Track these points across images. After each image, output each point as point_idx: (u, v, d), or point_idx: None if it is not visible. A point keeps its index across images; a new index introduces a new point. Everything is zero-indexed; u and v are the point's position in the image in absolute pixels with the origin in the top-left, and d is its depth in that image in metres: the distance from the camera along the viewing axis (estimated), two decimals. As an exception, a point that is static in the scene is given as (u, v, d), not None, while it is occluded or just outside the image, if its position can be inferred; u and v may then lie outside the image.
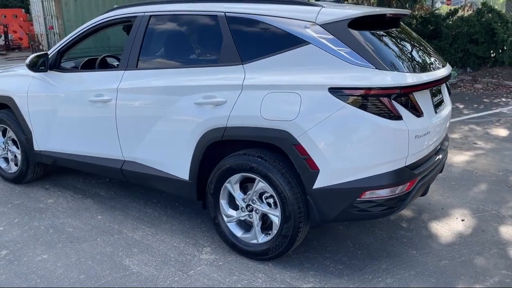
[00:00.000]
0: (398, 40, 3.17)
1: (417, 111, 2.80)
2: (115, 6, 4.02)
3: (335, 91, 2.71)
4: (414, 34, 3.52)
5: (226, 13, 3.19)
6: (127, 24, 3.83)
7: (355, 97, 2.68)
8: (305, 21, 2.91)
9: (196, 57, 3.43)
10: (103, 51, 8.22)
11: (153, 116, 3.43)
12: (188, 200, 4.06)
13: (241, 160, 3.05)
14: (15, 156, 4.57)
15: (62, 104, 3.96)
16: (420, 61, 3.12)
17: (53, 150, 4.18)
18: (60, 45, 4.07)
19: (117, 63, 4.68)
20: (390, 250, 3.33)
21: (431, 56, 3.27)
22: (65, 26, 17.34)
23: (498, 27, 10.62)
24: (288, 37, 2.94)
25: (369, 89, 2.66)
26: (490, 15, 10.99)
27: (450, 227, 3.68)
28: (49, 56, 4.00)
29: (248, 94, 2.97)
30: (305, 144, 2.77)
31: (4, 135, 4.63)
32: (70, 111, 3.94)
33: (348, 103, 2.68)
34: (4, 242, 3.46)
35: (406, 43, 3.21)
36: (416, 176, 2.89)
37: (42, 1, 19.45)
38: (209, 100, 3.11)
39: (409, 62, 2.98)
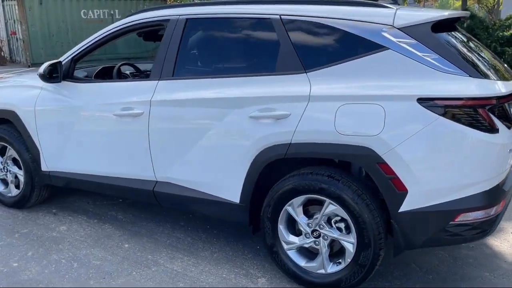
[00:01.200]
0: (470, 45, 2.92)
1: (509, 123, 2.55)
2: (145, 7, 3.59)
3: (426, 102, 2.41)
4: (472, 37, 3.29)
5: (281, 16, 2.85)
6: (157, 28, 3.43)
7: (450, 109, 2.39)
8: (380, 24, 2.60)
9: (247, 66, 3.05)
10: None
11: (196, 132, 3.03)
12: (221, 222, 3.68)
13: (307, 180, 2.71)
14: (16, 177, 4.04)
15: (80, 119, 3.49)
16: (500, 67, 2.88)
17: (66, 171, 3.69)
18: (75, 51, 3.60)
19: (133, 71, 4.27)
20: (461, 273, 3.06)
21: (500, 62, 3.04)
22: (29, 32, 16.49)
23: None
24: (360, 42, 2.63)
25: (468, 99, 2.38)
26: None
27: (510, 243, 3.46)
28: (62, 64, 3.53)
29: (317, 106, 2.64)
30: (391, 162, 2.46)
31: (2, 154, 4.09)
32: (89, 127, 3.48)
33: (442, 115, 2.39)
34: (24, 282, 2.97)
35: (479, 48, 2.96)
36: (506, 194, 2.63)
37: (3, 5, 18.45)
38: (267, 113, 2.75)
39: (492, 69, 2.73)
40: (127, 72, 4.23)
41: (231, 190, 2.98)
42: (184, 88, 3.09)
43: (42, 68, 3.41)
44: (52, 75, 3.46)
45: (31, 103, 3.69)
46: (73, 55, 3.60)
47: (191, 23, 3.18)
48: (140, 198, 3.62)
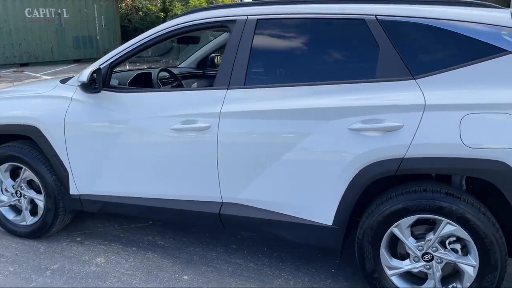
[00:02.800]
0: None
1: None
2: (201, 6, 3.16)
3: None
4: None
5: (377, 16, 2.56)
6: (218, 29, 3.05)
7: None
8: (499, 25, 2.39)
9: (339, 72, 2.71)
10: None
11: (279, 147, 2.67)
12: (277, 243, 3.34)
13: (422, 199, 2.44)
14: (31, 203, 3.47)
15: (125, 134, 3.01)
16: None
17: (103, 194, 3.18)
18: (113, 56, 3.11)
19: (168, 77, 3.82)
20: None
21: None
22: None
23: None
24: (476, 45, 2.40)
25: None
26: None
27: None
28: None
29: (436, 115, 2.37)
30: (527, 177, 2.25)
31: (14, 176, 3.49)
32: (137, 143, 3.00)
33: None
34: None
35: None
36: None
37: None
38: (373, 125, 2.46)
39: None
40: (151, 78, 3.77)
41: (321, 212, 2.66)
42: (261, 98, 2.72)
43: (84, 76, 2.90)
44: (92, 85, 2.96)
45: (59, 117, 3.15)
46: (111, 60, 3.11)
47: (264, 24, 2.81)
48: (200, 221, 3.19)
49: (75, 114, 3.12)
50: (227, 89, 2.80)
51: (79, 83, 2.93)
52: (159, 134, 2.94)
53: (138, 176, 3.05)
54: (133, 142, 3.01)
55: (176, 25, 3.01)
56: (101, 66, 3.05)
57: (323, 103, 2.57)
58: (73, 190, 3.25)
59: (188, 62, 4.62)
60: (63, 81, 3.42)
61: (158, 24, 17.14)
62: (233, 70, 2.80)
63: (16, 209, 3.57)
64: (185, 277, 3.00)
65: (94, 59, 18.73)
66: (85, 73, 2.91)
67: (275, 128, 2.67)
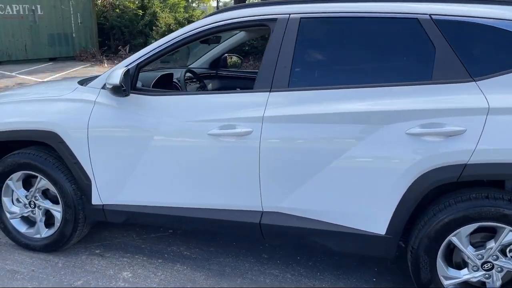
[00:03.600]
0: None
1: None
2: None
3: None
4: None
5: (432, 16, 2.45)
6: (257, 28, 2.87)
7: None
8: None
9: (391, 73, 2.57)
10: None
11: (329, 153, 2.53)
12: (310, 250, 3.21)
13: (485, 206, 2.34)
14: (45, 214, 3.22)
15: (155, 140, 2.81)
16: None
17: (129, 203, 2.98)
18: (141, 57, 2.90)
19: (191, 78, 3.62)
20: None
21: None
22: None
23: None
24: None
25: None
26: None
27: None
28: (128, 73, 2.82)
29: (503, 119, 2.28)
30: None
31: (26, 185, 3.24)
32: (169, 149, 2.81)
33: None
34: None
35: None
36: None
37: None
38: (434, 129, 2.34)
39: None
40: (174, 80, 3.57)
41: (374, 221, 2.54)
42: (307, 101, 2.57)
43: (116, 78, 2.68)
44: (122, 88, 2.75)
45: (82, 122, 2.92)
46: (138, 61, 2.90)
47: (308, 23, 2.66)
48: (237, 232, 3.03)
49: (100, 119, 2.90)
50: (270, 91, 2.64)
51: (110, 86, 2.70)
52: (195, 139, 2.76)
53: (170, 184, 2.86)
54: (165, 149, 2.82)
55: (210, 24, 2.83)
56: (129, 67, 2.84)
57: (376, 106, 2.45)
58: (95, 200, 3.03)
59: (199, 62, 4.41)
60: (82, 83, 3.19)
61: (137, 22, 16.58)
62: (276, 72, 2.64)
63: (29, 221, 3.32)
64: (223, 291, 2.83)
65: (70, 58, 18.25)
66: (116, 74, 2.69)
67: (325, 133, 2.53)
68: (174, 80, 3.59)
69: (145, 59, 2.90)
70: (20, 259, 3.19)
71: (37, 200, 3.19)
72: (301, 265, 3.13)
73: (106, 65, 16.61)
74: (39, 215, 3.21)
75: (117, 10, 20.04)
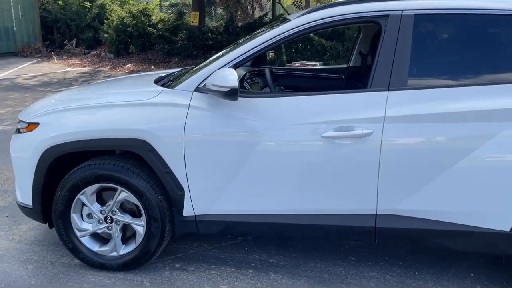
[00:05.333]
0: None
1: None
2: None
3: None
4: None
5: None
6: (363, 24, 2.77)
7: None
8: None
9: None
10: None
11: (455, 152, 2.51)
12: (416, 251, 3.20)
13: None
14: (123, 230, 2.95)
15: (263, 145, 2.64)
16: None
17: (229, 213, 2.79)
18: (237, 57, 2.72)
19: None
20: None
21: None
22: None
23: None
24: None
25: None
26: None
27: None
28: (228, 74, 2.63)
29: None
30: None
31: (101, 199, 2.94)
32: (279, 154, 2.66)
33: None
34: None
35: None
36: None
37: None
38: None
39: None
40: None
41: (499, 218, 2.55)
42: (428, 99, 2.53)
43: (233, 81, 2.47)
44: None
45: (177, 128, 2.68)
46: (236, 61, 2.72)
47: (423, 20, 2.61)
48: (348, 237, 2.95)
49: (198, 125, 2.68)
50: (388, 91, 2.57)
51: (225, 89, 2.49)
52: (306, 143, 2.63)
53: (277, 190, 2.71)
54: (273, 153, 2.66)
55: (314, 21, 2.71)
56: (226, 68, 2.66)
57: (498, 104, 2.45)
58: (187, 211, 2.81)
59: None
60: (162, 84, 2.95)
61: (84, 15, 15.79)
62: (393, 71, 2.58)
63: (99, 238, 3.02)
64: (337, 299, 2.74)
65: (11, 54, 16.96)
66: (229, 77, 2.49)
67: (451, 132, 2.51)
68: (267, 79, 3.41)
69: (243, 59, 2.73)
70: (98, 280, 2.90)
71: (114, 214, 2.91)
72: (394, 265, 3.10)
73: (56, 61, 15.63)
74: (116, 231, 2.93)
75: (60, 2, 18.89)
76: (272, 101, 2.72)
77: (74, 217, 2.93)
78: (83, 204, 2.93)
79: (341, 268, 3.06)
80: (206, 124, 2.68)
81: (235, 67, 2.72)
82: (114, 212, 2.90)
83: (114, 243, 2.95)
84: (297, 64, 9.36)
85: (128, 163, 2.82)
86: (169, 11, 22.56)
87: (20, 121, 3.09)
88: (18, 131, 3.10)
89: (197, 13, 14.54)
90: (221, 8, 20.94)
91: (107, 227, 2.94)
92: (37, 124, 2.90)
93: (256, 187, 2.72)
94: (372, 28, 3.80)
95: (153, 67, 13.68)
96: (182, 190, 2.77)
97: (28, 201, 2.98)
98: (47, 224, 3.08)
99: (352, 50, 4.30)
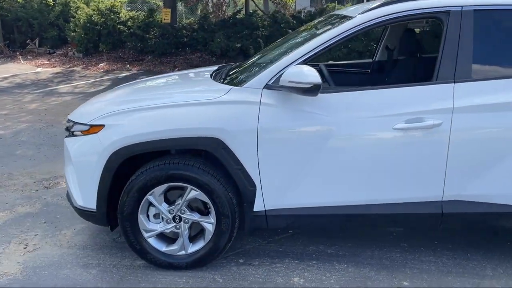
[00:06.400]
0: None
1: None
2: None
3: None
4: None
5: None
6: (422, 20, 2.88)
7: None
8: None
9: None
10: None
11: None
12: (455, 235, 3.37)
13: None
14: (189, 228, 2.96)
15: (335, 138, 2.73)
16: None
17: (298, 206, 2.86)
18: (307, 52, 2.79)
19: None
20: None
21: None
22: None
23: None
24: None
25: None
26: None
27: None
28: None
29: None
30: None
31: (168, 198, 2.93)
32: (351, 147, 2.76)
33: None
34: None
35: None
36: None
37: None
38: None
39: None
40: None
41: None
42: (494, 90, 2.70)
43: (315, 77, 2.54)
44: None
45: (250, 125, 2.72)
46: (305, 56, 2.78)
47: (483, 15, 2.77)
48: (415, 223, 3.08)
49: (270, 121, 2.73)
50: (454, 83, 2.71)
51: (307, 85, 2.55)
52: (379, 135, 2.74)
53: (348, 182, 2.81)
54: (344, 146, 2.76)
55: (378, 17, 2.82)
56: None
57: None
58: (258, 206, 2.86)
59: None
60: (222, 81, 3.02)
61: (48, 13, 15.26)
62: (458, 64, 2.72)
63: (165, 238, 3.01)
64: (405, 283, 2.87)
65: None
66: (307, 72, 2.56)
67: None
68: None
69: (313, 54, 2.80)
70: (169, 280, 2.90)
71: (183, 213, 2.91)
72: (444, 249, 3.26)
73: (22, 61, 15.01)
74: (184, 230, 2.93)
75: (19, 0, 18.11)
76: (342, 95, 2.80)
77: (142, 218, 2.91)
78: (149, 205, 2.92)
79: (398, 254, 3.20)
80: (278, 120, 2.74)
81: (307, 62, 2.78)
82: (183, 211, 2.90)
83: (182, 242, 2.95)
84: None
85: (197, 161, 2.82)
86: (128, 8, 22.10)
87: (75, 123, 3.02)
88: (72, 134, 3.03)
89: (169, 10, 14.36)
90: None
91: (175, 226, 2.94)
92: (102, 126, 2.85)
93: (327, 180, 2.80)
94: (401, 24, 3.97)
95: (128, 65, 13.41)
96: (254, 185, 2.81)
97: (91, 205, 2.92)
98: (109, 227, 3.05)
99: (378, 45, 4.44)
